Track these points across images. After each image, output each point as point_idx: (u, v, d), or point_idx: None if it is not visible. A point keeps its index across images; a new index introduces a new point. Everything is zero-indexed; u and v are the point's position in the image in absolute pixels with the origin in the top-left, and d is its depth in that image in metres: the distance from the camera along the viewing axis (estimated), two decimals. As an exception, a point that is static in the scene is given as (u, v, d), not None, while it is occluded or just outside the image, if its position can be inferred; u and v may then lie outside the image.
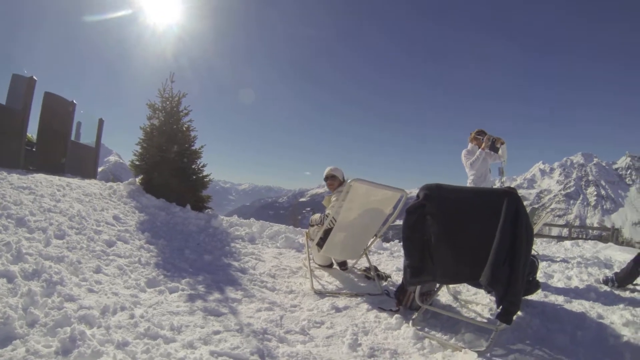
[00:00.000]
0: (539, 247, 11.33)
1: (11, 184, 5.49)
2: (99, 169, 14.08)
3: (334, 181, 5.34)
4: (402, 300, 4.07)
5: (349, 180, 4.47)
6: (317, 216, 5.34)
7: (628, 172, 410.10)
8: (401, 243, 4.03)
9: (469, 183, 5.77)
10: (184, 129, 8.62)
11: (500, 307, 2.96)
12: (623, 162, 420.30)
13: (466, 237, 3.20)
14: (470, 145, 5.87)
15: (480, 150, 5.63)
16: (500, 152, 5.68)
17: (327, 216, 4.90)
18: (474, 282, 3.49)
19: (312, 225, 5.29)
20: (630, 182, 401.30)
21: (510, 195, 3.00)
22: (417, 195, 3.40)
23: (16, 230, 4.09)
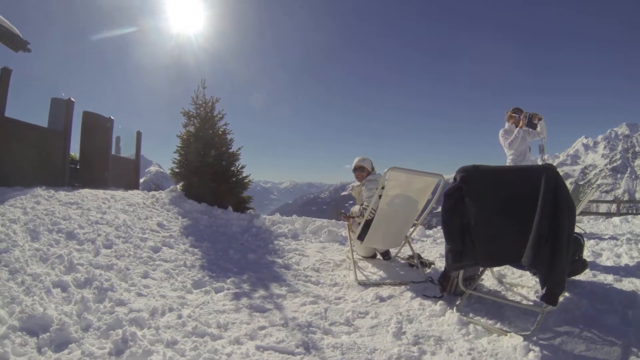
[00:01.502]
0: (586, 225, 10.87)
1: (59, 200, 5.76)
2: (141, 180, 14.53)
3: (363, 172, 5.39)
4: (445, 287, 4.02)
5: (385, 170, 4.46)
6: (356, 208, 5.36)
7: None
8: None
9: (508, 163, 5.63)
10: (220, 132, 8.79)
11: (545, 288, 2.88)
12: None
13: (506, 218, 3.12)
14: (507, 124, 5.74)
15: (518, 129, 5.49)
16: (538, 128, 5.51)
17: (365, 208, 4.91)
18: (517, 264, 3.41)
19: (352, 217, 5.30)
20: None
21: (548, 171, 2.90)
22: (454, 178, 3.34)
23: (67, 243, 4.31)
